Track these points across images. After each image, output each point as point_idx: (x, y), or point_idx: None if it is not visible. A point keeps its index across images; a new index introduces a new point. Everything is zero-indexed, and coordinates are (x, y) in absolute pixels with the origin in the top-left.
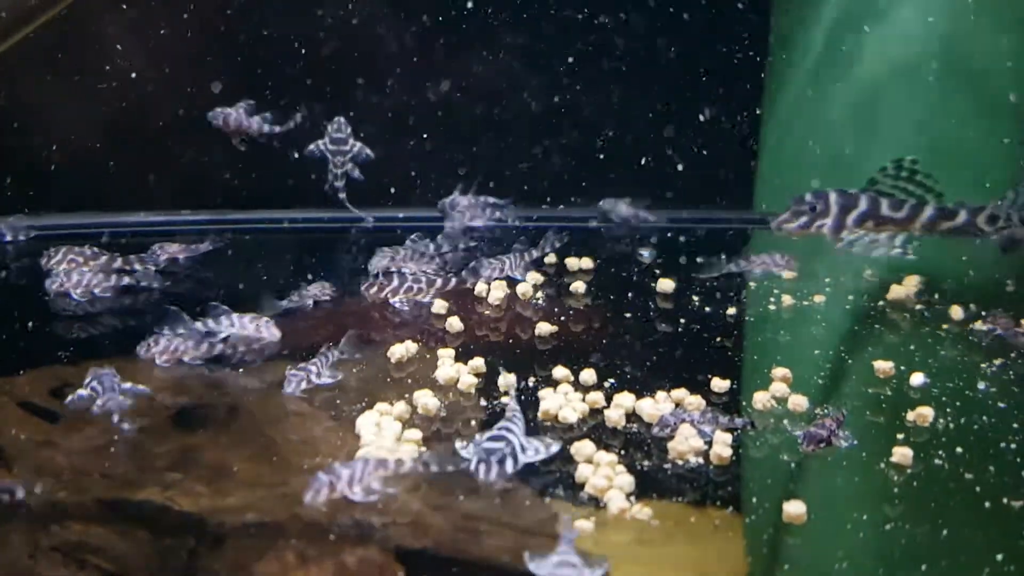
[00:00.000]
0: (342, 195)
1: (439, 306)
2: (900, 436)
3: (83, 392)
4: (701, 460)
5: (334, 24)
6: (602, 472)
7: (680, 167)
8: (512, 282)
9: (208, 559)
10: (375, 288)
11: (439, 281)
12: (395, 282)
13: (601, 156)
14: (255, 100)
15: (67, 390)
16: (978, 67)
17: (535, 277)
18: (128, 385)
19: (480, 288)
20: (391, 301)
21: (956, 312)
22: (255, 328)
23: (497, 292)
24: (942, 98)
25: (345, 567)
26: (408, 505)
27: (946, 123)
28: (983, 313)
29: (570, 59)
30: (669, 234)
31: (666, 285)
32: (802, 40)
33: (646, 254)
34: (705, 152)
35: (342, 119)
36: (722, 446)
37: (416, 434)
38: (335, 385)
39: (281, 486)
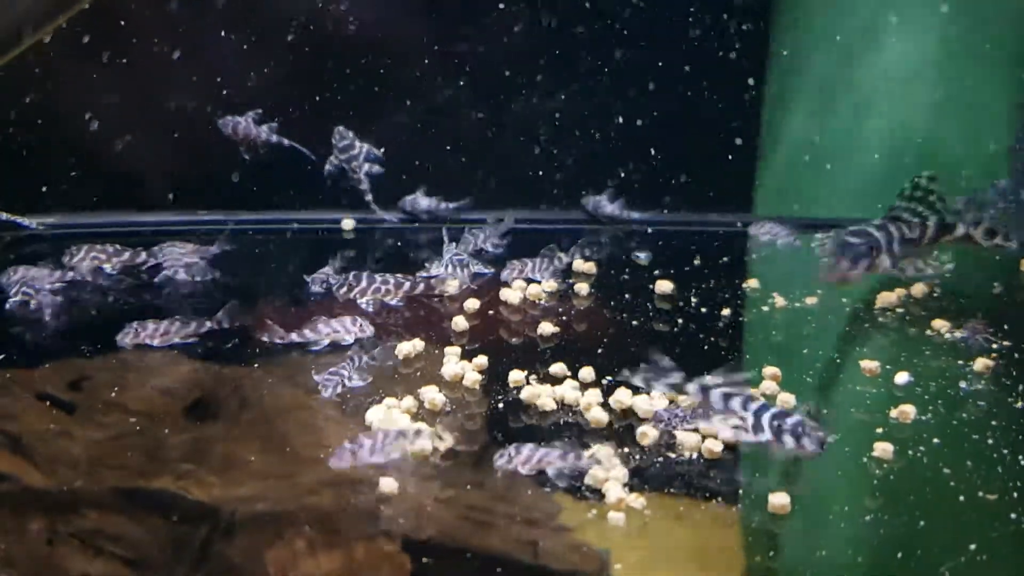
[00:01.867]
0: (368, 198)
1: (470, 304)
2: (883, 431)
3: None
4: (694, 454)
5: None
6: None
7: (680, 170)
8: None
9: (221, 546)
10: (344, 288)
11: (407, 284)
12: (363, 283)
13: (601, 158)
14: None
15: (84, 383)
16: (972, 76)
17: (551, 285)
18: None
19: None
20: (359, 302)
21: (942, 316)
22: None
23: (515, 294)
24: (938, 103)
25: (353, 556)
26: (415, 497)
27: (941, 129)
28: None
29: (570, 62)
30: (666, 238)
31: (664, 287)
32: (802, 42)
33: (642, 256)
34: (706, 155)
35: (341, 128)
36: (714, 440)
37: (423, 427)
38: (366, 389)
39: (291, 477)
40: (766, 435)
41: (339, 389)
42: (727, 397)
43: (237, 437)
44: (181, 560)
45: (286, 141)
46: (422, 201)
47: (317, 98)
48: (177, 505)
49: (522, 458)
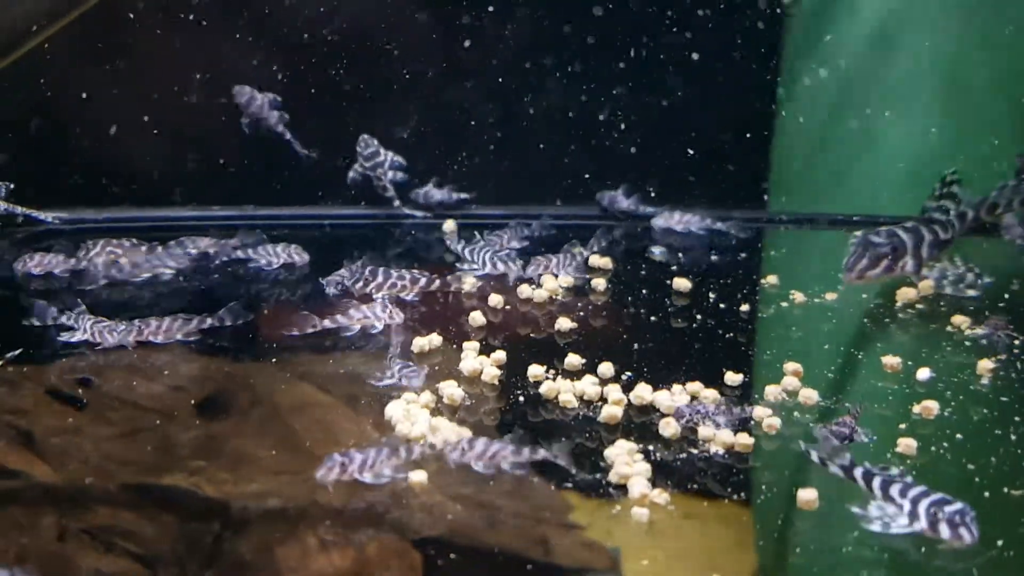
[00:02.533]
0: (396, 203)
1: (494, 300)
2: (906, 427)
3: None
4: (717, 450)
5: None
6: (622, 460)
7: (693, 167)
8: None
9: (232, 543)
10: (360, 283)
11: (423, 280)
12: (379, 278)
13: (612, 154)
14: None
15: (95, 379)
16: (983, 72)
17: (568, 281)
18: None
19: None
20: (375, 297)
21: (962, 312)
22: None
23: (532, 289)
24: (951, 101)
25: (364, 552)
26: (426, 494)
27: (952, 126)
28: (986, 314)
29: (580, 57)
30: (682, 234)
31: (682, 283)
32: (816, 39)
33: (658, 252)
34: (719, 152)
35: (366, 136)
36: (744, 435)
37: (443, 422)
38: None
39: (303, 473)
40: (922, 523)
41: (423, 377)
42: (887, 484)
43: (249, 433)
44: (192, 557)
45: (287, 134)
46: (435, 193)
47: (326, 96)
48: (188, 501)
49: (475, 453)
